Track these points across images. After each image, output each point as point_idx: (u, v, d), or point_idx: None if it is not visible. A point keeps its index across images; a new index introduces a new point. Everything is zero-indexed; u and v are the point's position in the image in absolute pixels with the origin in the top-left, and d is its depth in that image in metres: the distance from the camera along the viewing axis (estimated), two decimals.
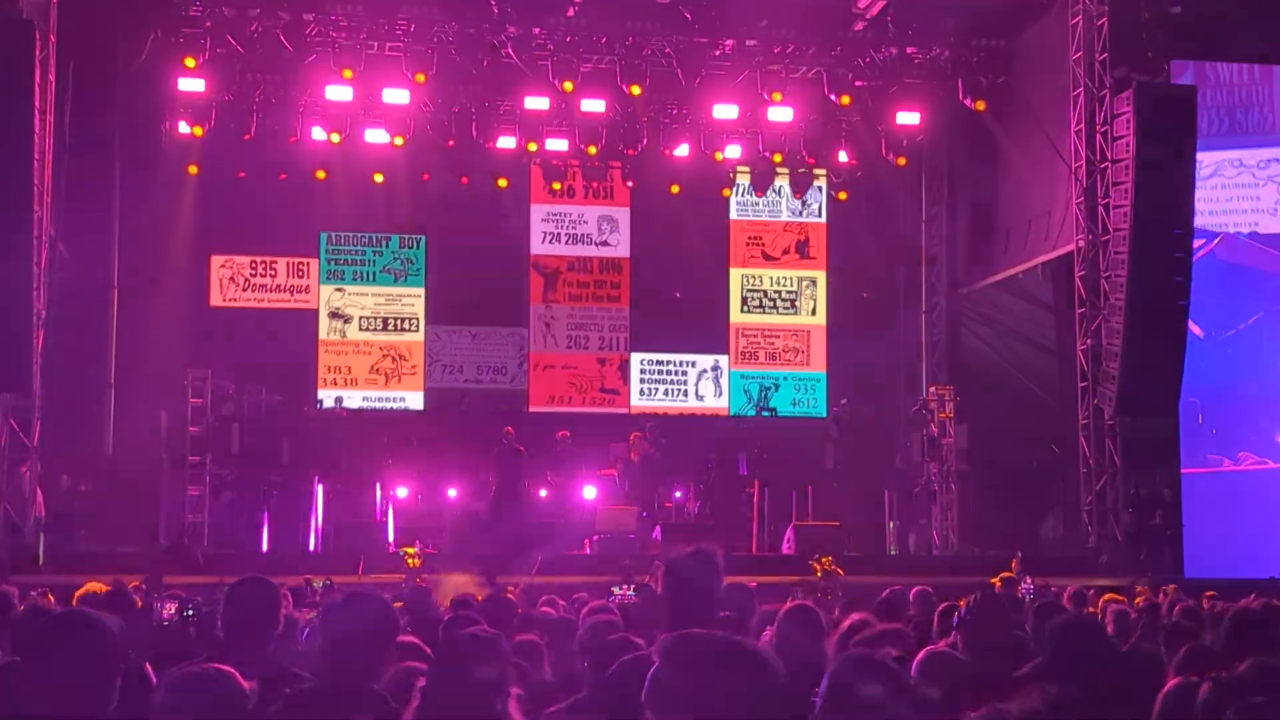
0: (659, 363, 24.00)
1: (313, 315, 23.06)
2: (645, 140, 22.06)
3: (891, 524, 21.49)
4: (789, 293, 24.50)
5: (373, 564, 16.68)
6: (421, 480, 20.66)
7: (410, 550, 16.15)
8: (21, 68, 16.23)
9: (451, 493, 20.48)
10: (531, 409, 23.39)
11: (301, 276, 23.06)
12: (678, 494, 20.90)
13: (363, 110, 21.10)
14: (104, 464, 20.68)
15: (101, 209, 21.36)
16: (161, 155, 21.33)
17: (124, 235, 21.71)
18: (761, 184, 23.60)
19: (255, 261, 22.91)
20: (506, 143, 21.75)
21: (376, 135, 21.34)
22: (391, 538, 19.07)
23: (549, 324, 23.81)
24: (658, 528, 19.80)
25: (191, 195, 21.93)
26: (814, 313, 24.55)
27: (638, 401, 23.82)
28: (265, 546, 19.45)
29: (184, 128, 20.87)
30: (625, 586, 8.29)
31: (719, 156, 22.45)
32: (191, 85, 19.92)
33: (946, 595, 9.76)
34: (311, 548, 19.42)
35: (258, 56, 20.17)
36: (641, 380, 23.93)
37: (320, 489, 19.97)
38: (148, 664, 4.99)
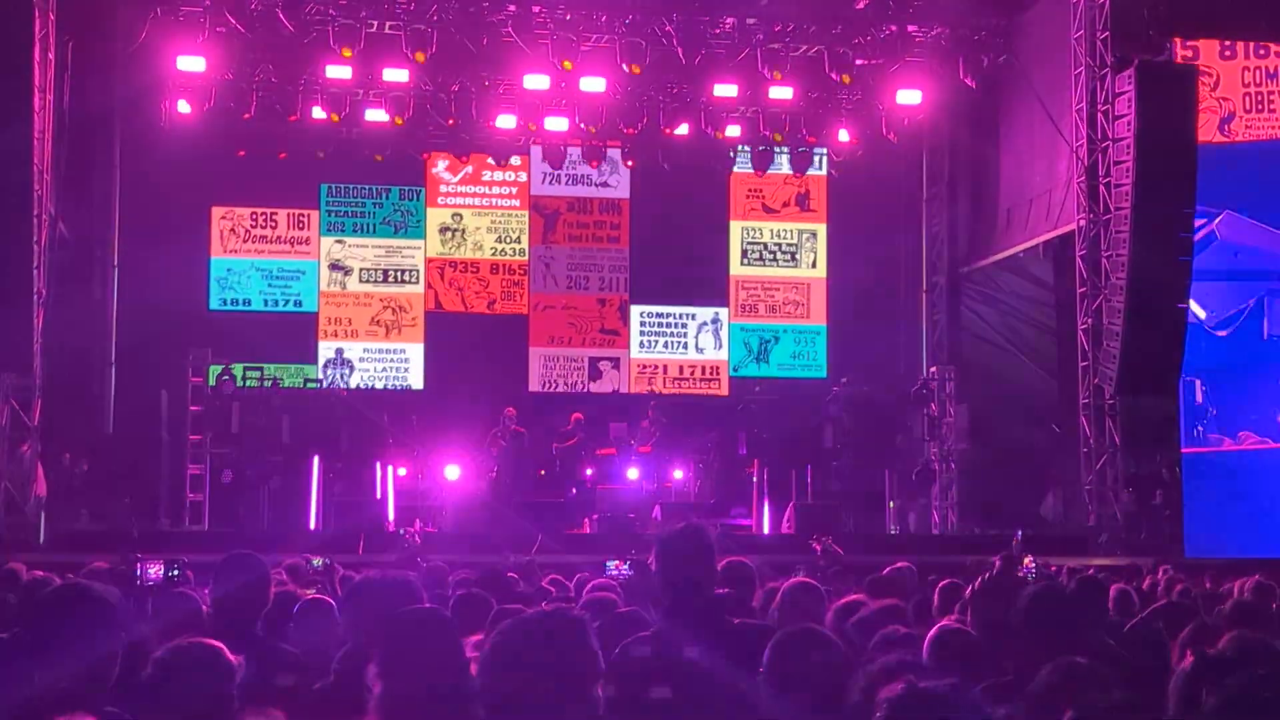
0: (658, 315, 24.08)
1: (313, 267, 23.13)
2: (645, 119, 22.00)
3: (892, 503, 21.51)
4: (789, 245, 24.52)
5: (372, 543, 16.70)
6: (422, 460, 20.66)
7: (410, 530, 16.15)
8: (21, 46, 16.19)
9: (452, 472, 20.48)
10: (531, 348, 23.58)
11: (302, 228, 23.12)
12: (678, 473, 20.91)
13: (363, 89, 21.05)
14: (105, 443, 20.69)
15: (101, 188, 21.36)
16: (161, 134, 21.28)
17: (124, 213, 21.70)
18: (762, 163, 23.51)
19: (256, 213, 22.97)
20: (506, 122, 21.71)
21: (376, 115, 21.29)
22: (391, 517, 19.09)
23: (548, 264, 23.83)
24: (657, 507, 19.83)
25: (191, 151, 21.76)
26: (814, 265, 24.59)
27: (637, 354, 23.94)
28: (265, 525, 19.48)
29: (183, 106, 20.83)
30: (620, 562, 8.24)
31: (719, 135, 22.41)
32: (191, 64, 19.86)
33: (947, 574, 9.76)
34: (311, 527, 19.45)
35: (257, 35, 20.07)
36: (641, 332, 24.00)
37: (320, 468, 19.99)
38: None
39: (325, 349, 22.89)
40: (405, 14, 19.97)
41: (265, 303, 22.89)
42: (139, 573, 7.49)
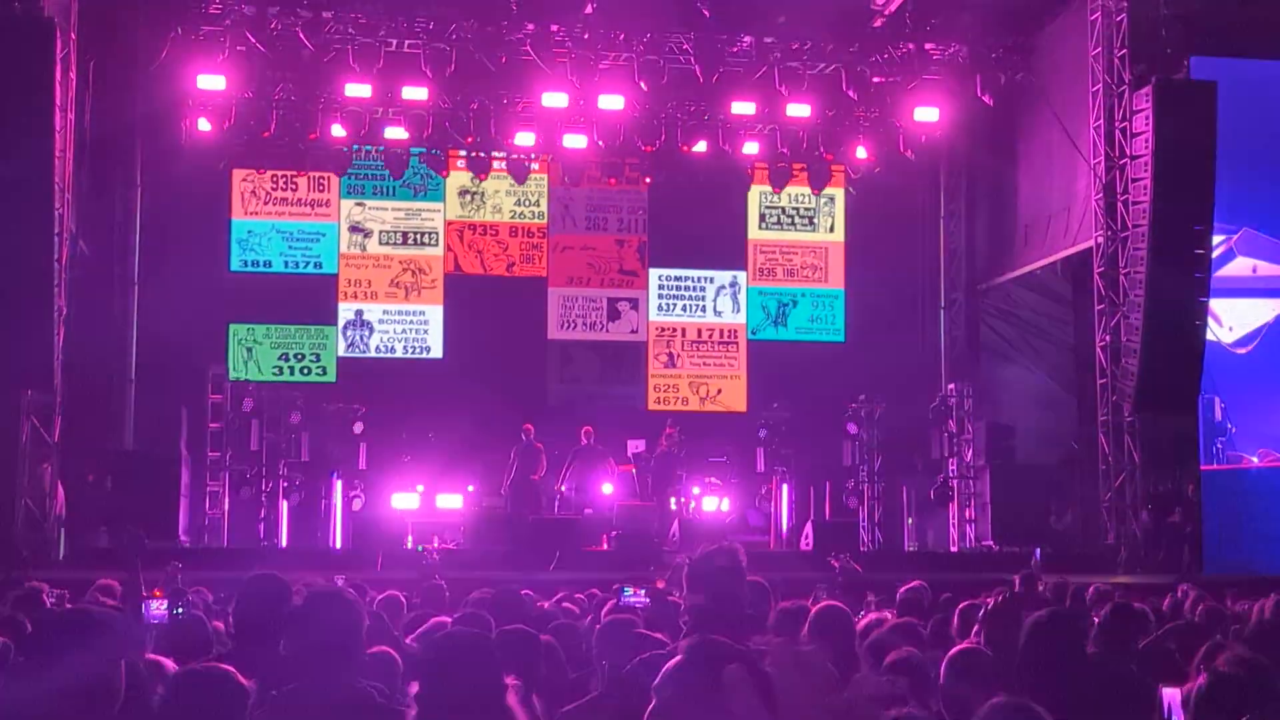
0: (677, 278, 24.12)
1: (333, 229, 23.30)
2: (663, 137, 22.04)
3: (910, 520, 21.47)
4: (807, 210, 24.53)
5: (391, 560, 16.74)
6: (440, 476, 20.66)
7: (428, 546, 16.19)
8: (43, 66, 16.27)
9: (469, 488, 20.51)
10: (550, 289, 23.68)
11: (322, 191, 23.22)
12: (696, 490, 20.89)
13: (382, 108, 21.13)
14: (124, 460, 20.75)
15: (121, 205, 21.49)
16: (181, 152, 21.40)
17: (144, 230, 21.81)
18: (779, 181, 23.49)
19: (276, 176, 23.06)
20: (525, 139, 21.78)
21: (395, 133, 21.38)
22: (410, 534, 19.12)
23: (567, 206, 23.87)
24: (675, 524, 19.82)
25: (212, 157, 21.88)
26: (832, 230, 24.60)
27: (655, 316, 23.99)
28: (284, 543, 19.53)
29: (204, 125, 20.94)
30: (637, 590, 7.98)
31: (737, 153, 22.40)
32: (211, 83, 19.98)
33: (966, 592, 9.76)
34: (330, 544, 19.49)
35: (277, 54, 20.20)
36: (660, 296, 24.06)
37: (339, 485, 20.05)
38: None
39: (345, 310, 23.06)
40: (425, 33, 20.07)
41: (286, 264, 23.05)
42: (144, 609, 7.40)
